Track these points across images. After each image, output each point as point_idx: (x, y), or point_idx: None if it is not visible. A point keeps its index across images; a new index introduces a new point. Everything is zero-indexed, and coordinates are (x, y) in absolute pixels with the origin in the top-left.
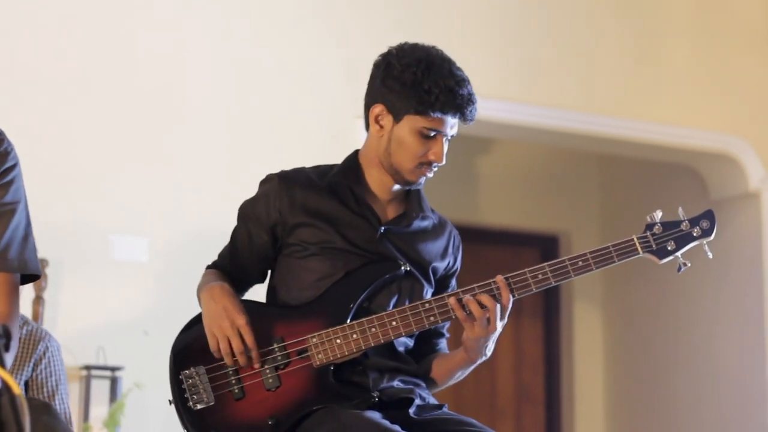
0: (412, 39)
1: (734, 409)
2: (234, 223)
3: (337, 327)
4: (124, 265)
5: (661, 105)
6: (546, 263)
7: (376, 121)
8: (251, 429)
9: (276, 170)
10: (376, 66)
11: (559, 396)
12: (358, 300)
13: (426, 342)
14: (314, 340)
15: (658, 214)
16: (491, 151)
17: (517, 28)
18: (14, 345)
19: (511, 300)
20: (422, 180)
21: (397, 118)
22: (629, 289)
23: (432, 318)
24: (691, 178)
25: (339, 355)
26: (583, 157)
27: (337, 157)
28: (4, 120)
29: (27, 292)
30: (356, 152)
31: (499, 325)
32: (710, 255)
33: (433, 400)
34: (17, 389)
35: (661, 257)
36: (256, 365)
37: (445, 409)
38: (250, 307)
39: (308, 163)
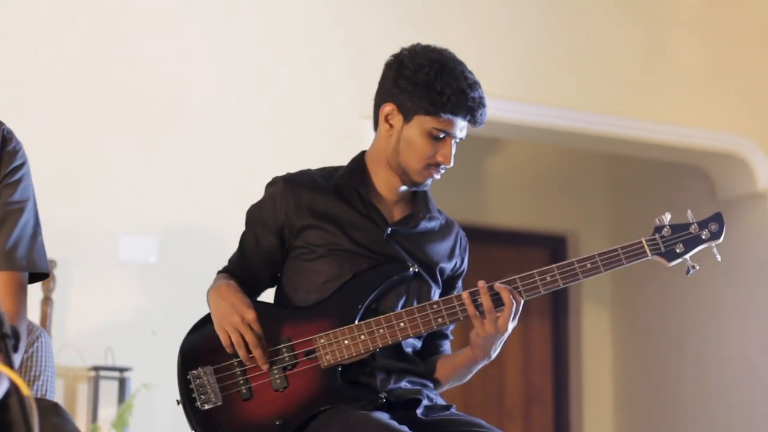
0: (420, 39)
1: (743, 410)
2: (241, 222)
3: (345, 328)
4: (132, 265)
5: (670, 105)
6: (554, 265)
7: (386, 121)
8: (259, 429)
9: (283, 171)
10: (388, 66)
11: (567, 397)
12: (367, 301)
13: (430, 343)
14: (322, 340)
15: (667, 217)
16: (499, 152)
17: (525, 27)
18: (22, 345)
19: (522, 301)
20: (429, 181)
21: (407, 118)
22: (638, 290)
23: (440, 319)
24: (699, 178)
25: (347, 356)
26: (591, 157)
27: (344, 158)
28: (10, 120)
29: (35, 292)
30: (362, 154)
31: (510, 326)
32: (719, 258)
33: (440, 401)
34: (26, 390)
35: (669, 260)
36: (268, 359)
37: (453, 410)
38: (258, 307)
39: (316, 164)
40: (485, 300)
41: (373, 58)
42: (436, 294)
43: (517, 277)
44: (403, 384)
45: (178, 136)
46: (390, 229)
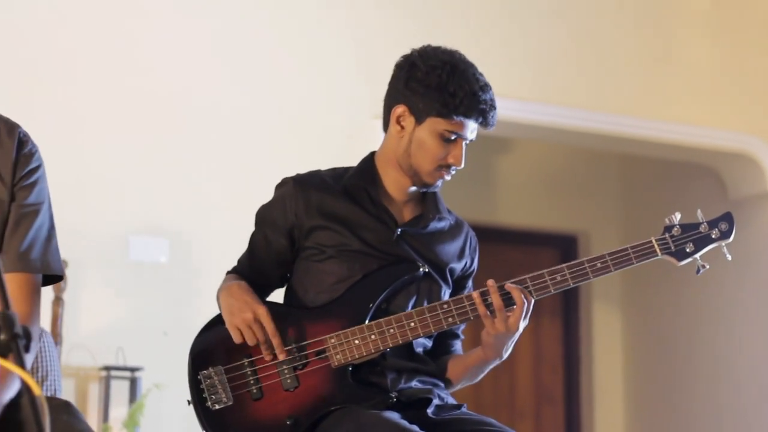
0: (430, 40)
1: (754, 409)
2: (251, 222)
3: (356, 327)
4: (143, 265)
5: (680, 104)
6: (564, 264)
7: (398, 122)
8: (270, 429)
9: (294, 171)
10: (399, 67)
11: (578, 396)
12: (377, 301)
13: (441, 343)
14: (332, 340)
15: (677, 216)
16: (510, 152)
17: (536, 27)
18: (34, 346)
19: (533, 300)
20: (439, 183)
21: (419, 120)
22: (648, 289)
23: (450, 319)
24: (710, 178)
25: (357, 356)
26: (601, 157)
27: (355, 159)
28: (20, 120)
29: (46, 293)
30: (372, 154)
31: (521, 325)
32: (729, 257)
33: (451, 400)
34: (38, 390)
35: (679, 259)
36: (282, 355)
37: (464, 409)
38: (269, 307)
39: (327, 165)
40: (495, 298)
41: (383, 58)
42: (446, 294)
43: (527, 276)
44: (414, 383)
45: (189, 137)
46: (400, 229)
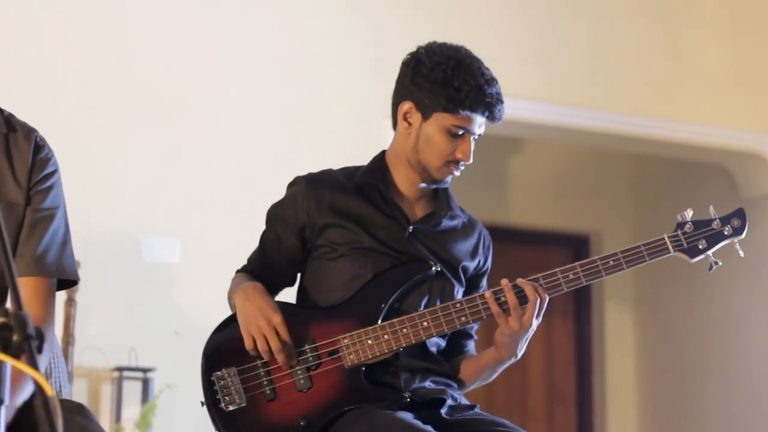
0: (441, 38)
1: None
2: (264, 222)
3: (369, 328)
4: (155, 266)
5: (691, 104)
6: (577, 263)
7: (405, 119)
8: (283, 430)
9: (306, 171)
10: (405, 64)
11: (590, 396)
12: (389, 301)
13: (454, 343)
14: (345, 340)
15: (689, 213)
16: (522, 151)
17: (548, 27)
18: (48, 348)
19: (547, 298)
20: (449, 178)
21: (425, 116)
22: (661, 288)
23: (463, 318)
24: (722, 177)
25: (370, 356)
26: (613, 156)
27: (367, 157)
28: (32, 122)
29: (59, 293)
30: (383, 153)
31: (535, 323)
32: (741, 254)
33: (465, 401)
34: (50, 391)
35: (692, 256)
36: (293, 362)
37: (477, 410)
38: (281, 308)
39: (339, 164)
40: (510, 297)
41: (397, 58)
42: (459, 293)
43: (540, 275)
44: (427, 384)
45: (201, 137)
46: (412, 227)
